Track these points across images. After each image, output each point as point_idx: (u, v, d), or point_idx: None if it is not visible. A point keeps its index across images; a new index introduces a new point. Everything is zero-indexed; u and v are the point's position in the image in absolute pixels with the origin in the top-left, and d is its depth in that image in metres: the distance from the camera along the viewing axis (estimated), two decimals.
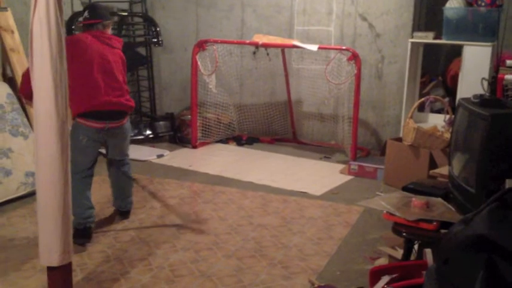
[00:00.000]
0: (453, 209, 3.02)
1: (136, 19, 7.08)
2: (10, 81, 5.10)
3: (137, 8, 7.05)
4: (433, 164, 4.74)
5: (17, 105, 4.86)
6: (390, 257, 3.51)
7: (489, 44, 5.06)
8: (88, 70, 3.84)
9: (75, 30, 5.97)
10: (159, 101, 7.45)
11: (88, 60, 3.85)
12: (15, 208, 4.48)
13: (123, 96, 4.01)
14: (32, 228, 4.03)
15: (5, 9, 5.06)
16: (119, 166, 4.21)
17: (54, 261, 2.75)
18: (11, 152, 4.61)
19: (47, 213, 2.72)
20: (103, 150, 4.24)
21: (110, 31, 4.16)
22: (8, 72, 5.19)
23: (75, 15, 6.12)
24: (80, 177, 3.87)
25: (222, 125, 6.84)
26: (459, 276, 1.95)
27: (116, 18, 6.79)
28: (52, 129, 2.65)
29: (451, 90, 5.97)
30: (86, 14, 4.08)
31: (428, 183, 3.66)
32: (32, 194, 4.41)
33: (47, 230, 2.74)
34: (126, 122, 4.09)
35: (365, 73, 6.20)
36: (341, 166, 5.82)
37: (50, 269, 2.81)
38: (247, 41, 6.38)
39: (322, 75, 6.04)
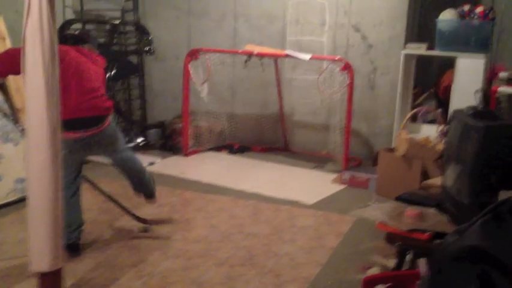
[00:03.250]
0: (446, 219, 3.03)
1: (129, 28, 7.07)
2: (1, 87, 5.06)
3: (129, 17, 7.04)
4: (425, 175, 4.75)
5: (8, 112, 4.82)
6: (383, 266, 3.51)
7: (482, 56, 5.09)
8: (62, 76, 3.62)
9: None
10: (150, 109, 7.44)
11: (64, 67, 3.53)
12: (4, 214, 4.44)
13: (98, 98, 3.80)
14: (22, 234, 3.99)
15: None
16: (120, 155, 4.06)
17: (45, 266, 2.72)
18: (1, 158, 4.58)
19: (38, 218, 2.69)
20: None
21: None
22: None
23: (66, 23, 6.11)
24: (66, 196, 3.53)
25: (213, 133, 6.84)
26: (452, 286, 1.94)
27: (107, 27, 6.80)
28: (44, 135, 2.64)
29: (443, 102, 5.99)
30: (75, 32, 3.99)
31: (422, 194, 3.68)
32: (21, 200, 4.39)
33: (38, 236, 2.71)
34: (107, 127, 3.88)
35: (357, 83, 6.21)
36: (333, 176, 5.82)
37: (40, 275, 2.78)
38: (240, 51, 6.38)
39: (314, 85, 6.06)
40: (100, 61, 3.98)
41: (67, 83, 3.61)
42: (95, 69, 3.88)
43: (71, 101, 3.65)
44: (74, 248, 3.79)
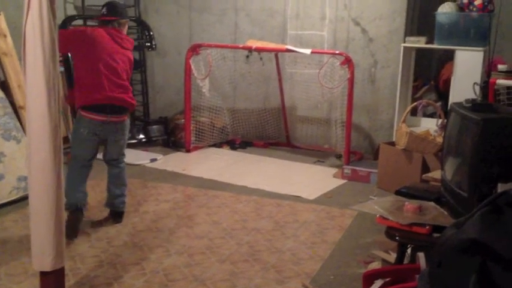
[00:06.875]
0: (446, 213, 3.03)
1: (130, 23, 7.05)
2: (2, 85, 5.09)
3: (131, 12, 7.03)
4: (425, 168, 4.76)
5: (10, 109, 4.84)
6: (383, 261, 3.52)
7: (481, 48, 5.09)
8: (95, 65, 3.97)
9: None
10: (152, 105, 7.45)
11: (97, 55, 3.98)
12: (7, 213, 4.46)
13: (126, 94, 4.15)
14: (25, 232, 4.00)
15: None
16: (116, 164, 4.29)
17: (47, 265, 2.74)
18: (4, 156, 4.60)
19: (40, 217, 2.71)
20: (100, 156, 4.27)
21: (126, 30, 4.26)
22: (1, 76, 5.17)
23: (68, 20, 6.12)
24: (78, 167, 4.03)
25: (215, 129, 6.85)
26: (452, 280, 1.95)
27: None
28: (45, 133, 2.65)
29: (443, 95, 5.99)
30: (104, 10, 4.17)
31: (421, 187, 3.67)
32: (24, 199, 4.40)
33: (40, 235, 2.73)
34: (127, 119, 4.22)
35: (358, 77, 6.22)
36: (334, 170, 5.83)
37: (42, 274, 2.80)
38: (241, 46, 6.39)
39: (315, 80, 6.06)
40: (128, 45, 4.21)
41: (100, 72, 3.98)
42: (123, 59, 4.15)
43: (103, 91, 3.99)
44: (77, 214, 4.01)
